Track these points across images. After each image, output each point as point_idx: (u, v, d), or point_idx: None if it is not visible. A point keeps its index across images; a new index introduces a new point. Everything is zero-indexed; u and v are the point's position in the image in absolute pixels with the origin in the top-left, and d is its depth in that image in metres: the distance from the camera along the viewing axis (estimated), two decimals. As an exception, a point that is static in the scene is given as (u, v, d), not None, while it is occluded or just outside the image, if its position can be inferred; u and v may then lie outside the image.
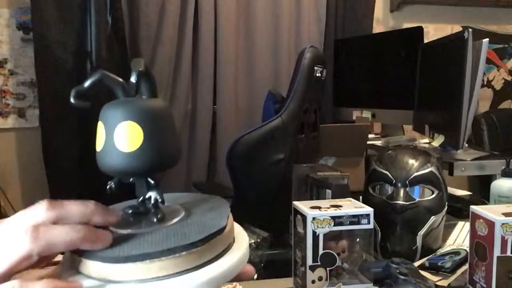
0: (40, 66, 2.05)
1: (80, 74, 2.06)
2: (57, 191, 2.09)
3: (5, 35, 2.21)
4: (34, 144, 2.16)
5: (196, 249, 0.34)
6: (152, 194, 0.39)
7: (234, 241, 0.39)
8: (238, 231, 0.41)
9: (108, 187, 0.40)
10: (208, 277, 0.34)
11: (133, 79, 0.39)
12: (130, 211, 0.40)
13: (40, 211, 0.33)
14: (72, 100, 0.38)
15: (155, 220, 0.38)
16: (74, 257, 0.35)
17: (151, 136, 0.37)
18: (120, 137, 0.37)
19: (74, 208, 0.34)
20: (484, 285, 0.76)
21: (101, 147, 0.38)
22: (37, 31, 2.04)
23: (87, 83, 0.38)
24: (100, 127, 0.39)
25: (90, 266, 0.34)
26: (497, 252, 0.73)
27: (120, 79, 0.39)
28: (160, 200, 0.39)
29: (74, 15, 2.04)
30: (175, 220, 0.38)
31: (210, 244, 0.35)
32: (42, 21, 2.01)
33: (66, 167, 2.08)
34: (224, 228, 0.37)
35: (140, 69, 0.39)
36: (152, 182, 0.39)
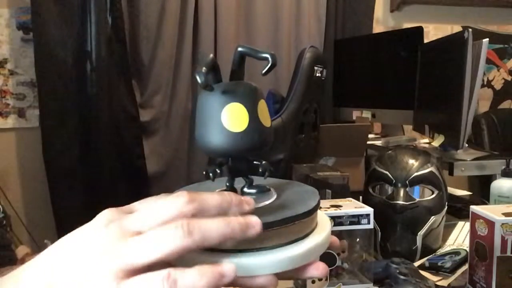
0: (40, 66, 2.05)
1: (80, 74, 2.07)
2: (57, 191, 2.09)
3: (5, 35, 2.21)
4: (34, 144, 2.16)
5: (310, 217, 0.38)
6: (262, 167, 0.42)
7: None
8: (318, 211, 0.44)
9: (212, 174, 0.42)
10: (316, 242, 0.38)
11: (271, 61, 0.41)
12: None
13: (181, 203, 0.33)
14: (201, 86, 0.40)
15: (268, 193, 0.42)
16: None
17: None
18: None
19: (213, 200, 0.34)
20: (484, 285, 0.76)
21: (244, 127, 0.40)
22: (37, 31, 2.03)
23: (204, 67, 0.40)
24: (239, 108, 0.40)
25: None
26: (497, 252, 0.73)
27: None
28: (270, 170, 0.43)
29: (74, 15, 2.04)
30: (274, 197, 0.41)
31: (315, 215, 0.40)
32: (42, 21, 2.01)
33: (66, 167, 2.08)
34: (320, 200, 0.42)
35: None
36: (254, 162, 0.42)
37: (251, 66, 2.17)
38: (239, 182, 0.43)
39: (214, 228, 0.32)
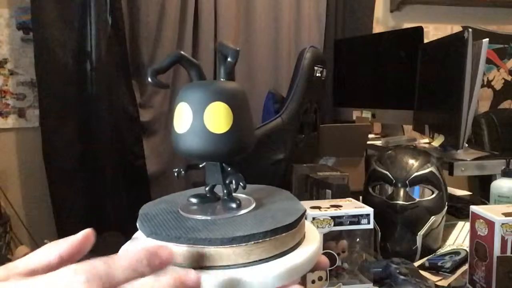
0: (40, 66, 2.05)
1: (80, 74, 2.07)
2: (57, 191, 2.09)
3: (5, 35, 2.21)
4: (34, 144, 2.16)
5: (293, 230, 0.34)
6: (234, 179, 0.38)
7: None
8: (307, 223, 0.40)
9: (176, 173, 0.39)
10: (303, 258, 0.34)
11: (230, 58, 0.39)
12: (196, 200, 0.39)
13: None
14: (149, 79, 0.37)
15: (234, 206, 0.37)
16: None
17: (239, 118, 0.36)
18: (211, 118, 0.36)
19: (121, 266, 0.28)
20: (484, 285, 0.76)
21: (187, 128, 0.36)
22: (37, 31, 2.03)
23: (165, 62, 0.38)
24: (185, 108, 0.37)
25: (186, 252, 0.32)
26: (497, 252, 0.73)
27: (196, 62, 0.39)
28: (243, 185, 0.38)
29: (74, 15, 2.04)
30: (252, 207, 0.38)
31: (300, 226, 0.35)
32: (42, 21, 2.01)
33: (66, 167, 2.08)
34: (305, 211, 0.37)
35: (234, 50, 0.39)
36: (229, 167, 0.38)
37: (252, 65, 2.16)
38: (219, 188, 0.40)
39: None
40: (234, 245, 0.32)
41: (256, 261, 0.32)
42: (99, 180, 2.09)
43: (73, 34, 2.05)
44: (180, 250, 0.32)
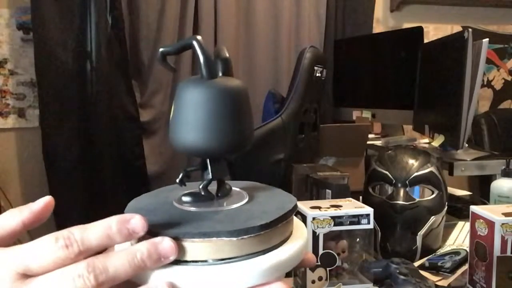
0: (40, 66, 2.05)
1: (80, 74, 2.06)
2: (57, 191, 2.09)
3: (5, 35, 2.21)
4: (34, 144, 2.16)
5: (278, 227, 0.34)
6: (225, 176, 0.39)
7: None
8: (296, 220, 0.40)
9: (181, 179, 0.39)
10: (288, 255, 0.34)
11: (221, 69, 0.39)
12: (189, 198, 0.38)
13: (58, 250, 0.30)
14: (159, 61, 0.38)
15: (224, 201, 0.38)
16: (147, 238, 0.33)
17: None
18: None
19: (94, 235, 0.31)
20: (484, 285, 0.76)
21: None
22: (37, 31, 2.03)
23: (176, 46, 0.37)
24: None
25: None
26: (497, 252, 0.73)
27: (208, 53, 0.38)
28: (229, 187, 0.39)
29: (74, 15, 2.04)
30: (244, 201, 0.38)
31: (286, 224, 0.35)
32: (42, 21, 2.01)
33: (66, 167, 2.08)
34: (296, 207, 0.37)
35: (223, 56, 0.39)
36: (225, 163, 0.39)
37: (252, 65, 2.16)
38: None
39: (121, 263, 0.30)
40: (216, 239, 0.31)
41: (239, 256, 0.32)
42: (99, 180, 2.09)
43: (73, 34, 2.04)
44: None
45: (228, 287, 0.31)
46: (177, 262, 0.32)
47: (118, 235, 0.31)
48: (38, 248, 0.30)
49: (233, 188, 0.41)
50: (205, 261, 0.32)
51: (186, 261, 0.32)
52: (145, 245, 0.31)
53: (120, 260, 0.30)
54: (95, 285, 0.29)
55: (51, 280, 0.29)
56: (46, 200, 0.34)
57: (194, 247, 0.31)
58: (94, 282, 0.29)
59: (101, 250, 0.31)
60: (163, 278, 0.31)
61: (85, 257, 0.30)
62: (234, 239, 0.31)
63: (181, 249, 0.31)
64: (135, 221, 0.31)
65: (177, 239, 0.31)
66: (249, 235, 0.32)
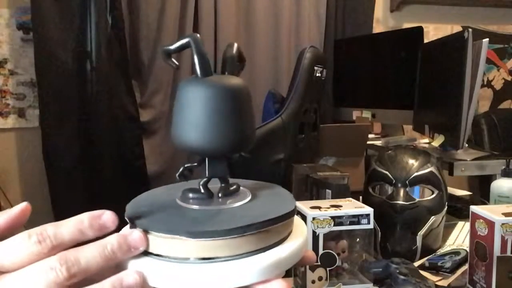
0: (40, 66, 2.05)
1: (80, 74, 2.06)
2: (57, 191, 2.09)
3: (5, 35, 2.21)
4: (34, 144, 2.16)
5: (277, 225, 0.34)
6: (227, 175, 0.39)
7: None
8: (296, 218, 0.40)
9: (182, 175, 0.39)
10: (287, 252, 0.34)
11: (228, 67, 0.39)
12: (191, 194, 0.38)
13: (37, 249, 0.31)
14: (164, 59, 0.39)
15: (227, 200, 0.37)
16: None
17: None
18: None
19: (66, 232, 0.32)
20: (484, 285, 0.76)
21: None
22: (37, 31, 2.03)
23: (175, 45, 0.38)
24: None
25: (163, 243, 0.32)
26: (497, 252, 0.73)
27: (205, 51, 0.38)
28: (236, 186, 0.39)
29: (74, 15, 2.04)
30: (246, 200, 0.38)
31: (287, 222, 0.35)
32: (42, 21, 2.01)
33: (66, 167, 2.08)
34: (295, 208, 0.37)
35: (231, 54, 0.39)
36: (227, 162, 0.39)
37: (252, 65, 2.16)
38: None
39: (92, 255, 0.31)
40: (217, 238, 0.31)
41: (238, 254, 0.32)
42: (99, 180, 2.09)
43: (73, 34, 2.04)
44: (160, 240, 0.32)
45: (227, 285, 0.31)
46: (170, 259, 0.32)
47: (90, 230, 0.32)
48: (11, 245, 0.31)
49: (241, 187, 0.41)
50: (209, 259, 0.32)
51: (179, 258, 0.32)
52: (115, 237, 0.32)
53: (91, 252, 0.31)
54: (67, 277, 0.30)
55: (24, 274, 0.30)
56: (22, 206, 0.34)
57: (196, 245, 0.31)
58: (66, 273, 0.30)
59: (74, 245, 0.32)
60: (138, 269, 0.31)
61: (59, 252, 0.31)
62: (230, 237, 0.31)
63: (173, 246, 0.32)
64: (106, 216, 0.32)
65: (168, 236, 0.31)
66: (247, 234, 0.32)
